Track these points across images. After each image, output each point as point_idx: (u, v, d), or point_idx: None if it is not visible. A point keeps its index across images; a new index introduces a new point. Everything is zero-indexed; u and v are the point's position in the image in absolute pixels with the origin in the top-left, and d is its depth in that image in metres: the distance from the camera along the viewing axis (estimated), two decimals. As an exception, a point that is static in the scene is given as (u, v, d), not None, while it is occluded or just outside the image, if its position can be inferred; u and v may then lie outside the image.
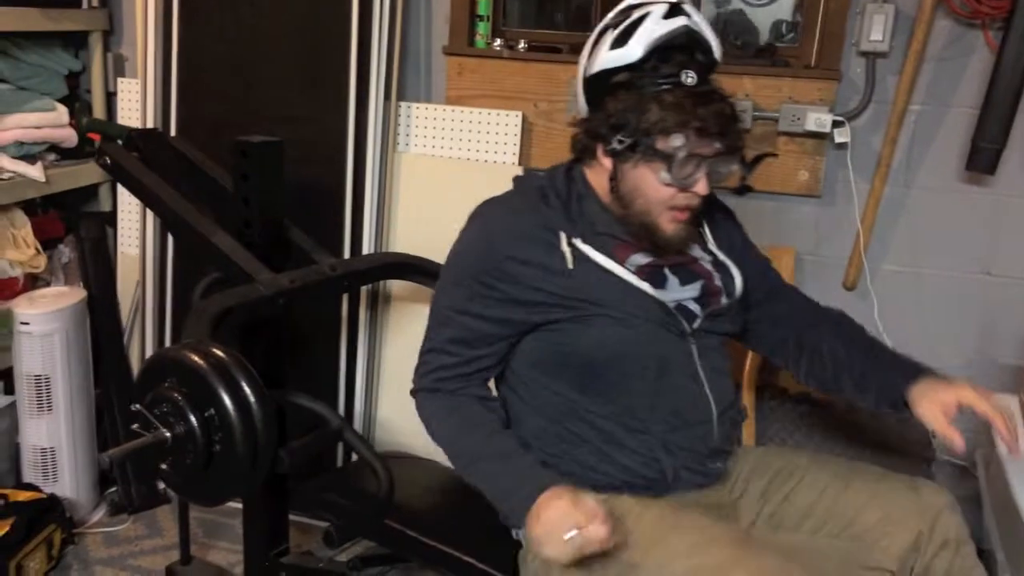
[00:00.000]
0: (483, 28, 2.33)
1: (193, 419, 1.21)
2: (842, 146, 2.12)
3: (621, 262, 1.33)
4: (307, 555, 1.85)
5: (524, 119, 2.30)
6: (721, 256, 1.44)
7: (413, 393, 1.43)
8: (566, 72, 2.24)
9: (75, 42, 2.58)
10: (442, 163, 2.34)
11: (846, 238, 2.18)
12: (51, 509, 2.05)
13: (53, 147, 2.48)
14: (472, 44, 2.36)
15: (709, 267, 1.43)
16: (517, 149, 2.30)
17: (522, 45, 2.32)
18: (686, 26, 1.26)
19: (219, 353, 1.23)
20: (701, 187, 1.28)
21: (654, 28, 1.26)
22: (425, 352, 1.42)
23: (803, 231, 2.24)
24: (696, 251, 1.43)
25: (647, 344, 1.32)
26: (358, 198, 2.25)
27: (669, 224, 1.31)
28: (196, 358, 1.22)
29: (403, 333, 2.32)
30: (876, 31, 2.04)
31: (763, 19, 2.34)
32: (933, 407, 1.29)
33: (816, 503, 1.37)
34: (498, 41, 2.35)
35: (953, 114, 2.09)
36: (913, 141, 2.13)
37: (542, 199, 1.36)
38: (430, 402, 1.40)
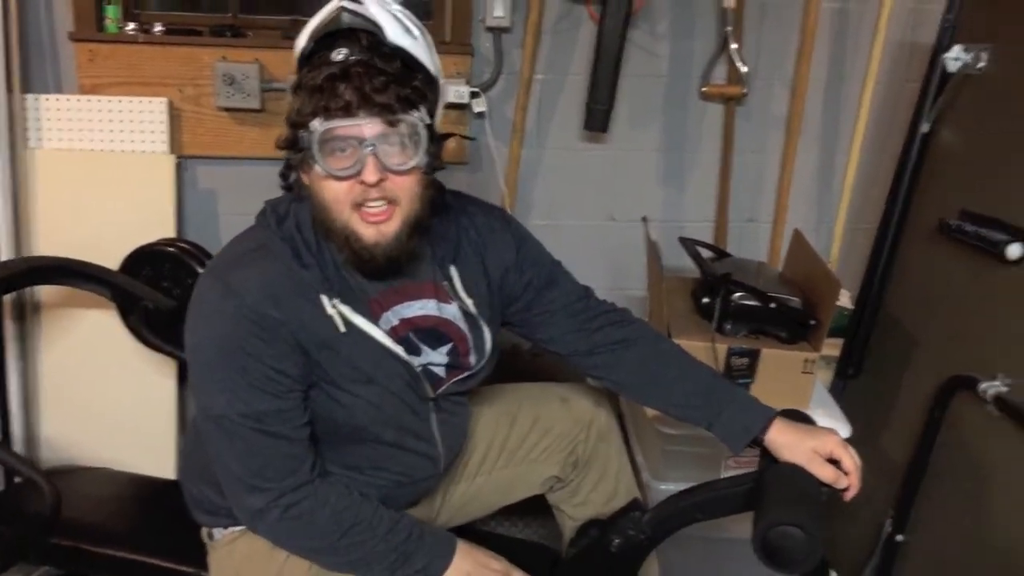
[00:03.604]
0: (112, 12, 2.21)
1: None
2: (481, 115, 2.31)
3: (376, 322, 1.25)
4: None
5: (170, 105, 2.23)
6: (471, 307, 1.34)
7: (258, 526, 1.24)
8: (210, 55, 2.21)
9: None
10: (84, 157, 2.20)
11: (494, 199, 2.38)
12: None
13: None
14: (102, 29, 2.23)
15: (461, 325, 1.35)
16: (167, 137, 2.23)
17: (159, 28, 2.24)
18: (341, 8, 1.14)
19: None
20: (367, 173, 1.13)
21: (318, 15, 1.17)
22: (239, 478, 1.20)
23: (457, 196, 2.42)
24: (442, 296, 1.33)
25: (390, 414, 1.28)
26: (-12, 202, 2.07)
27: (365, 228, 1.17)
28: None
29: (60, 341, 2.17)
30: (498, 8, 2.23)
31: (397, -2, 2.44)
32: (815, 457, 1.27)
33: (489, 447, 1.54)
34: (131, 25, 2.25)
35: (570, 81, 2.34)
36: (541, 107, 2.37)
37: (295, 258, 1.20)
38: (291, 523, 1.21)
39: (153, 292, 1.97)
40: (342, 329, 1.20)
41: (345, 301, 1.21)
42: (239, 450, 1.19)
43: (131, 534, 1.51)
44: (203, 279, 1.22)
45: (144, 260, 2.03)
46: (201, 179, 2.34)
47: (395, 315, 1.29)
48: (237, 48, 2.22)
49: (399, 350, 1.25)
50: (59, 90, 2.23)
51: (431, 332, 1.33)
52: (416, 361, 1.29)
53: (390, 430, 1.30)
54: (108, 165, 2.21)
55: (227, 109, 2.24)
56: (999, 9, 1.71)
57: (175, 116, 2.25)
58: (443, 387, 1.34)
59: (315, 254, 1.21)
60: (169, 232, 2.19)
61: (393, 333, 1.27)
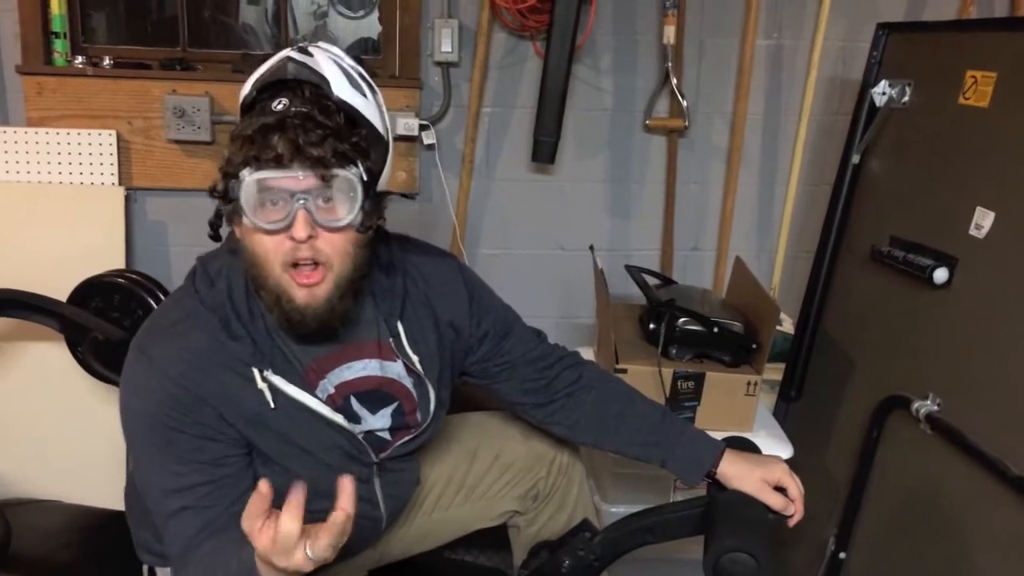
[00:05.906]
0: (60, 45, 2.22)
1: None
2: (431, 147, 2.36)
3: (312, 391, 1.20)
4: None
5: (119, 137, 2.24)
6: (416, 364, 1.28)
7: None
8: (159, 88, 2.22)
9: None
10: (32, 189, 2.20)
11: (445, 229, 2.42)
12: None
13: None
14: (50, 62, 2.23)
15: (406, 382, 1.30)
16: (116, 169, 2.24)
17: (107, 62, 2.25)
18: (287, 58, 1.11)
19: None
20: (297, 229, 1.06)
21: (265, 64, 1.13)
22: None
23: (408, 226, 2.40)
24: (386, 354, 1.27)
25: (327, 488, 1.17)
26: (-68, 236, 2.05)
27: (297, 290, 1.10)
28: None
29: (8, 373, 2.15)
30: (446, 44, 2.29)
31: (346, 34, 2.49)
32: (764, 486, 1.32)
33: (447, 484, 1.53)
34: (79, 58, 2.25)
35: (517, 114, 2.41)
36: (489, 139, 2.42)
37: (224, 329, 1.14)
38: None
39: (102, 323, 1.95)
40: (272, 405, 1.15)
41: (278, 371, 1.16)
42: (161, 515, 1.15)
43: (80, 567, 1.50)
44: (131, 350, 1.18)
45: (93, 291, 2.02)
46: (151, 210, 2.34)
47: (331, 382, 1.24)
48: (187, 81, 2.24)
49: (339, 419, 1.21)
50: (6, 122, 2.23)
51: (373, 394, 1.28)
52: (357, 429, 1.25)
53: (328, 502, 1.20)
54: (56, 197, 2.20)
55: (177, 141, 2.26)
56: (918, 47, 1.81)
57: (124, 148, 2.26)
58: (389, 450, 1.30)
59: (246, 323, 1.15)
60: (119, 263, 2.18)
61: (331, 401, 1.23)
